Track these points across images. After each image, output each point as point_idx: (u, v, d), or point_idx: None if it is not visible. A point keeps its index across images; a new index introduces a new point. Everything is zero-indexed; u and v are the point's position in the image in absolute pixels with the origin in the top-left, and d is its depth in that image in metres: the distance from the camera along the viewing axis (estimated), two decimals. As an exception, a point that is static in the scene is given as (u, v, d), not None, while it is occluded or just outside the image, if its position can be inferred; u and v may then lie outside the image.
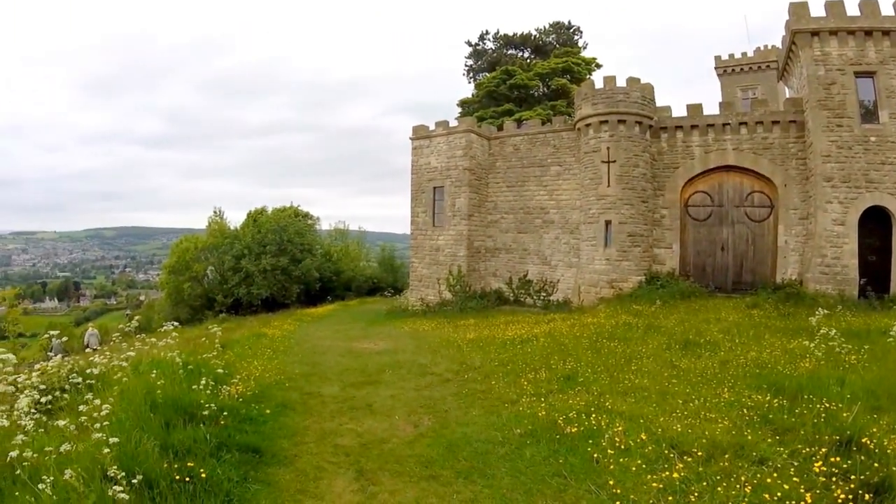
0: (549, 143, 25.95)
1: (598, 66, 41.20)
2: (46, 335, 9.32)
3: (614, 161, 22.05)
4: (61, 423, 5.03)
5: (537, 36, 43.74)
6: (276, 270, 35.20)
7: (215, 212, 44.69)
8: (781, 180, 20.82)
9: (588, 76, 38.21)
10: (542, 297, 24.20)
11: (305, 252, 37.44)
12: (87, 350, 14.81)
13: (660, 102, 23.22)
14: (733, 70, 41.18)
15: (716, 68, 42.06)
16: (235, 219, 46.74)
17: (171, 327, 8.98)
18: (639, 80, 22.46)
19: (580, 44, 43.43)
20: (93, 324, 32.75)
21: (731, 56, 41.49)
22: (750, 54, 41.00)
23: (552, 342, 13.01)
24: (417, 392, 9.64)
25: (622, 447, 6.03)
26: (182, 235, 46.92)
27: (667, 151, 22.76)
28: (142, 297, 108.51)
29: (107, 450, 4.61)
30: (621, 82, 22.43)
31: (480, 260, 27.29)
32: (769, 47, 39.65)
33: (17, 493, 4.28)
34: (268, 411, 8.00)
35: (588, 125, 22.91)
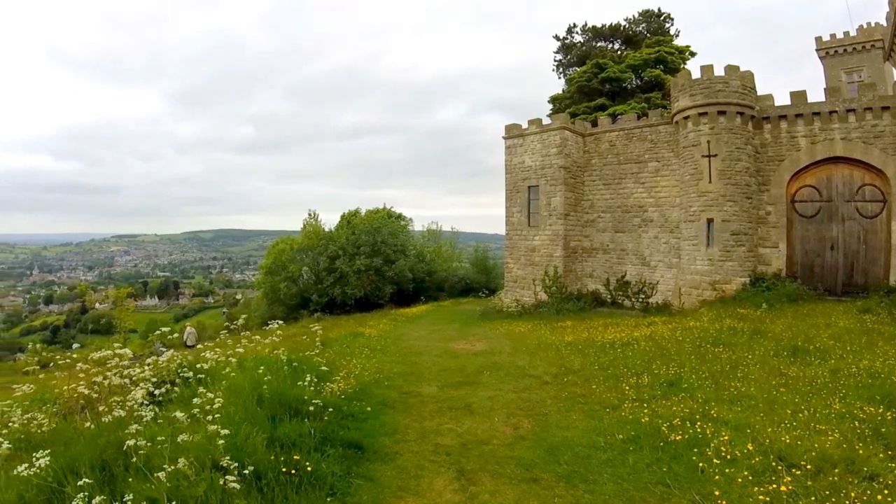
0: (646, 137, 25.36)
1: (692, 54, 39.55)
2: (159, 331, 10.04)
3: (715, 155, 21.34)
4: (179, 414, 5.33)
5: (627, 26, 42.40)
6: (370, 271, 35.83)
7: (310, 214, 46.25)
8: (894, 171, 19.42)
9: (682, 65, 36.80)
10: (640, 300, 23.66)
11: (399, 253, 37.97)
12: (186, 346, 15.86)
13: (760, 90, 22.23)
14: (836, 52, 38.51)
15: (817, 50, 39.49)
16: (329, 221, 48.12)
17: (276, 325, 9.51)
18: (738, 67, 21.54)
19: (672, 32, 41.75)
20: (189, 322, 34.71)
21: (833, 36, 38.79)
22: (853, 33, 38.21)
23: (653, 346, 12.85)
24: (516, 394, 9.80)
25: (728, 457, 5.98)
26: (278, 237, 48.83)
27: (770, 143, 21.70)
28: (238, 296, 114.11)
29: (221, 441, 4.93)
30: (719, 71, 21.63)
31: (577, 260, 27.08)
32: (873, 25, 36.90)
33: (130, 479, 4.57)
34: (368, 409, 8.28)
35: (686, 118, 22.26)
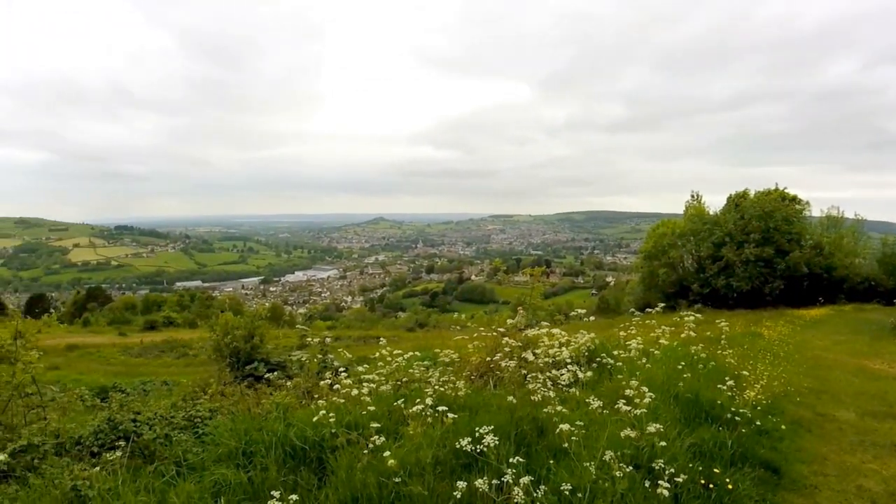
0: None
1: None
2: (575, 312, 10.75)
3: None
4: (624, 407, 5.09)
5: None
6: (759, 262, 32.87)
7: (693, 196, 44.22)
8: None
9: None
10: None
11: (793, 243, 34.05)
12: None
13: None
14: None
15: None
16: (712, 203, 45.19)
17: (691, 317, 9.12)
18: None
19: None
20: (558, 299, 35.77)
21: None
22: None
23: None
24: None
25: None
26: (657, 220, 48.08)
27: None
28: (608, 279, 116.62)
29: (663, 443, 4.76)
30: None
31: None
32: None
33: (551, 462, 4.67)
34: (783, 427, 7.57)
35: None
